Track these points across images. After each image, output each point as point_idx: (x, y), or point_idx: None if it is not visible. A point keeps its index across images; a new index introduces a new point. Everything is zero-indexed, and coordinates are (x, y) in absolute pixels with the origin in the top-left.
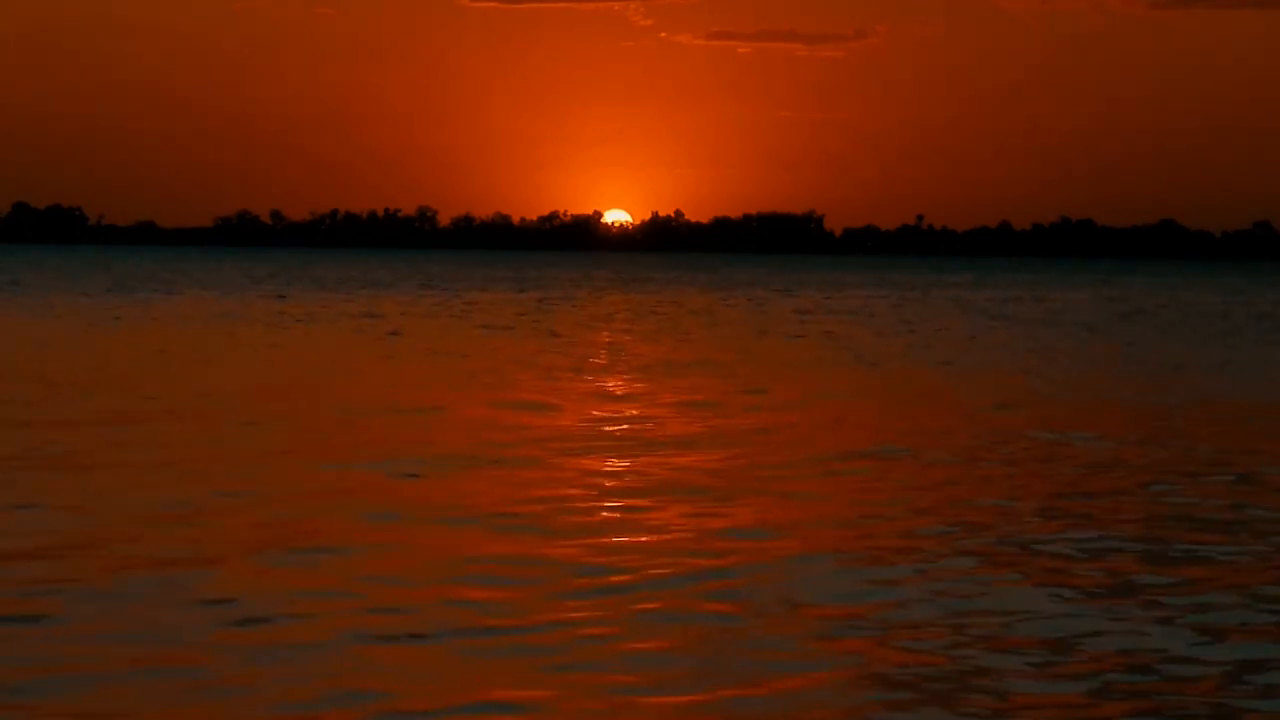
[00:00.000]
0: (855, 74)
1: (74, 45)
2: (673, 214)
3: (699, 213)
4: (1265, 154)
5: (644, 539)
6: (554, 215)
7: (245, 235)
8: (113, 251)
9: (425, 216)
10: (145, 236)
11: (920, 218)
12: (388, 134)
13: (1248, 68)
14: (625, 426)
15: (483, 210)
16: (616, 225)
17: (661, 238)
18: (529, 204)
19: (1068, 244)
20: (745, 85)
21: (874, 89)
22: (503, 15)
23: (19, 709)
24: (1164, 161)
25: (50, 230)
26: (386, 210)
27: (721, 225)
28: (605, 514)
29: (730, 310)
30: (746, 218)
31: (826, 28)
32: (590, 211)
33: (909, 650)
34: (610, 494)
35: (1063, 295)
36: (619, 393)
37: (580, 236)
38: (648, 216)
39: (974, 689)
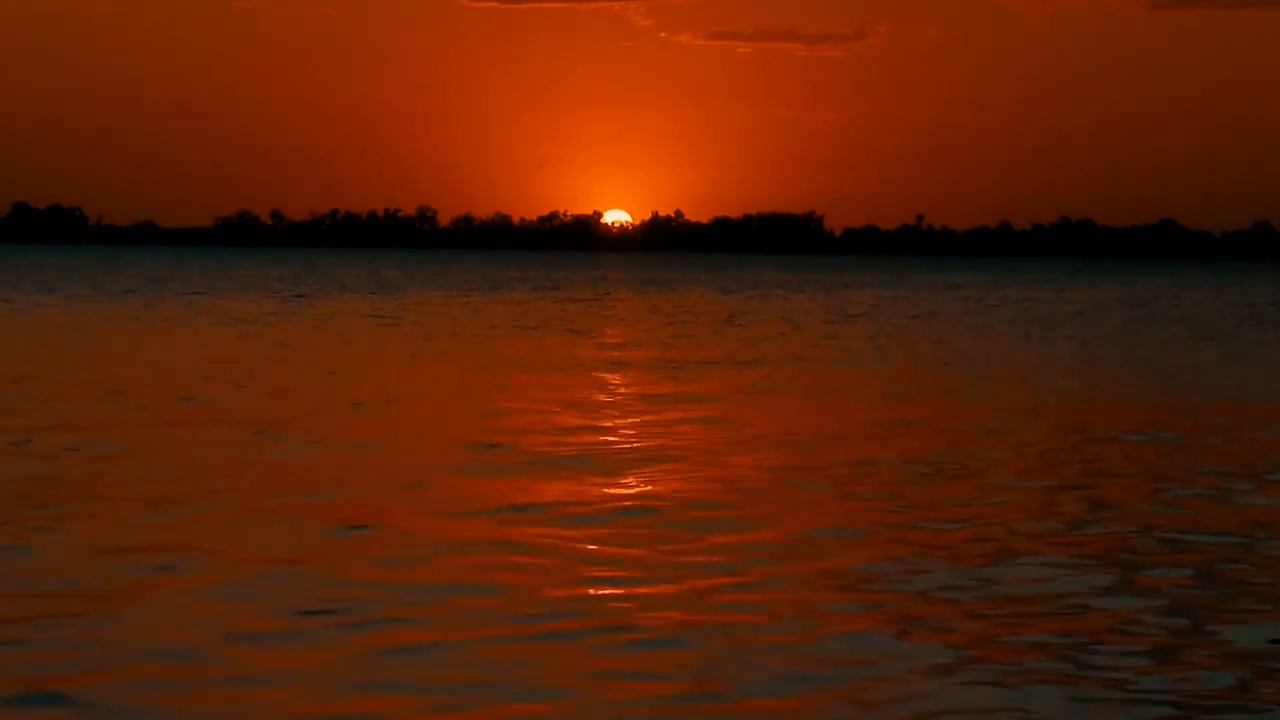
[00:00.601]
0: (855, 74)
1: (74, 46)
2: (673, 214)
3: (699, 213)
4: (1265, 154)
5: (740, 538)
6: (554, 215)
7: (245, 235)
8: (113, 252)
9: (425, 216)
10: (145, 236)
11: (920, 218)
12: (388, 134)
13: (1247, 68)
14: (687, 427)
15: (483, 210)
16: (616, 225)
17: (661, 238)
18: (529, 204)
19: (1068, 244)
20: (745, 85)
21: (874, 89)
22: (503, 15)
23: (115, 705)
24: (1164, 161)
25: (50, 230)
26: (386, 210)
27: (721, 225)
28: (695, 513)
29: (754, 309)
30: (746, 218)
31: (826, 28)
32: (590, 211)
33: (1027, 648)
34: (688, 495)
35: (1069, 295)
36: (668, 392)
37: (580, 236)
38: (648, 216)
39: (1088, 682)
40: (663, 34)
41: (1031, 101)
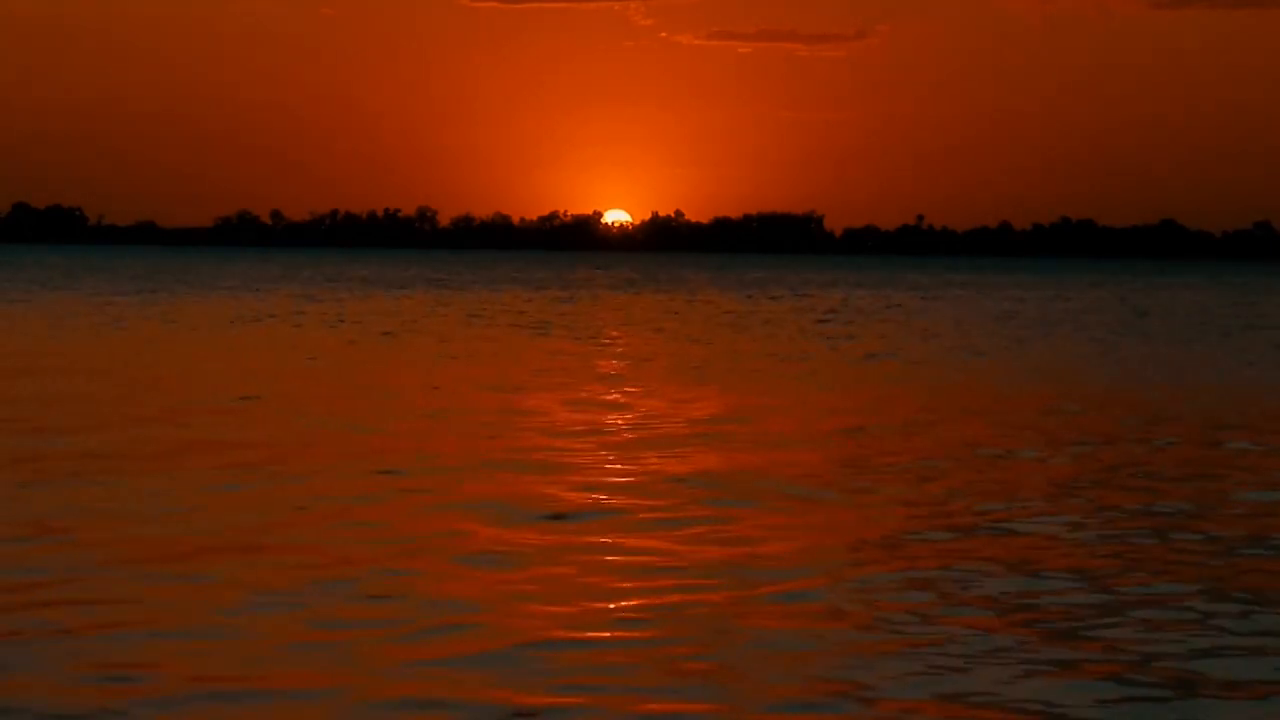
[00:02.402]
0: (856, 74)
1: (74, 45)
2: (673, 214)
3: (699, 213)
4: (1265, 154)
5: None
6: (554, 215)
7: (245, 235)
8: (114, 251)
9: (425, 216)
10: (145, 236)
11: (920, 218)
12: (388, 134)
13: (1248, 68)
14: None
15: (483, 210)
16: (616, 225)
17: (661, 238)
18: (529, 204)
19: (1068, 244)
20: (745, 85)
21: (875, 89)
22: (503, 15)
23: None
24: (1164, 161)
25: (50, 230)
26: (386, 210)
27: (721, 225)
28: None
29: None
30: (746, 218)
31: (827, 28)
32: (590, 211)
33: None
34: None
35: (1076, 296)
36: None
37: (580, 236)
38: (648, 216)
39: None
40: (663, 34)
41: (1031, 101)
